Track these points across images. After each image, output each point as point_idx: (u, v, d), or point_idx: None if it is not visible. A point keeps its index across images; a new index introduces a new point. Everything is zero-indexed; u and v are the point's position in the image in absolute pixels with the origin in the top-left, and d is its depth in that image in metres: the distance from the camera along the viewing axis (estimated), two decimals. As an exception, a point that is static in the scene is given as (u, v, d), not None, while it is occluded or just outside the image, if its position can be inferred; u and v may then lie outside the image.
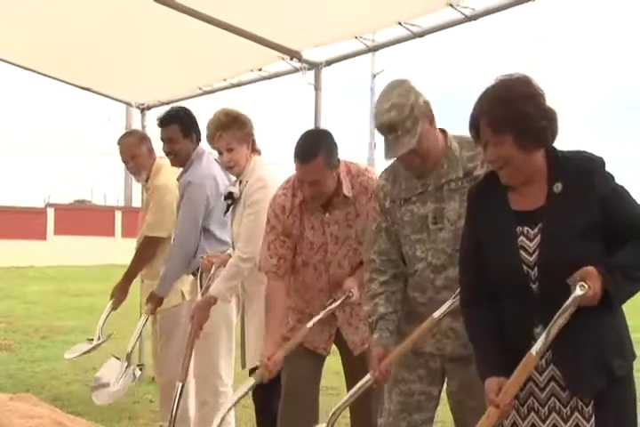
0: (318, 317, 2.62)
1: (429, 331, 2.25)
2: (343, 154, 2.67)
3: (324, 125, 4.04)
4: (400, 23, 3.43)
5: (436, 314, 2.21)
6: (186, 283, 3.64)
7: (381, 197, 2.34)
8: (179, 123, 3.52)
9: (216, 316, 3.21)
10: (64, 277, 14.88)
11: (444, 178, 2.25)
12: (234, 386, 3.57)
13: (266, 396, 3.02)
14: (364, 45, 3.76)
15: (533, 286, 1.83)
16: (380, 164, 2.97)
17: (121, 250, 12.35)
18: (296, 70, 4.02)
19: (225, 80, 4.77)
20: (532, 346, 1.78)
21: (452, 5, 3.16)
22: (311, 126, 4.02)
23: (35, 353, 6.48)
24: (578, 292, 1.71)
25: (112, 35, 4.29)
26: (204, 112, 3.43)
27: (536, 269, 1.82)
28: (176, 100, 5.41)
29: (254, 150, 3.21)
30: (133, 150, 3.81)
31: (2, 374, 5.49)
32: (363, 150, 21.04)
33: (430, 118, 2.22)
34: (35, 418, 2.95)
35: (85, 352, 3.93)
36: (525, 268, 1.83)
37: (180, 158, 3.54)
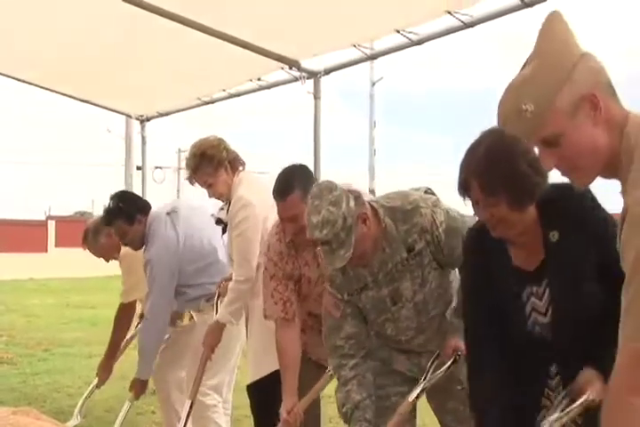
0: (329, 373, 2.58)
1: (406, 414, 2.23)
2: (343, 161, 2.65)
3: (323, 133, 4.04)
4: (398, 31, 3.43)
5: (411, 398, 2.20)
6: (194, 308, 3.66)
7: (338, 286, 2.31)
8: (120, 217, 3.53)
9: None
10: (65, 289, 14.87)
11: (390, 263, 2.23)
12: (234, 396, 3.58)
13: (265, 407, 3.03)
14: (363, 53, 3.76)
15: (549, 340, 1.82)
16: (381, 171, 2.96)
17: (122, 261, 12.36)
18: (295, 79, 4.03)
19: (224, 90, 4.77)
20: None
21: (449, 13, 3.16)
22: (311, 135, 4.03)
23: (36, 366, 6.46)
24: (584, 398, 1.70)
25: (111, 47, 4.29)
26: (203, 122, 3.45)
27: (551, 328, 1.80)
28: (175, 111, 5.42)
29: (235, 169, 3.21)
30: (97, 250, 3.87)
31: (3, 387, 5.47)
32: (363, 157, 21.07)
33: (363, 217, 2.15)
34: (37, 432, 2.92)
35: None
36: (539, 328, 1.81)
37: (137, 243, 3.56)
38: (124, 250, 3.79)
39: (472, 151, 1.75)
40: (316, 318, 2.73)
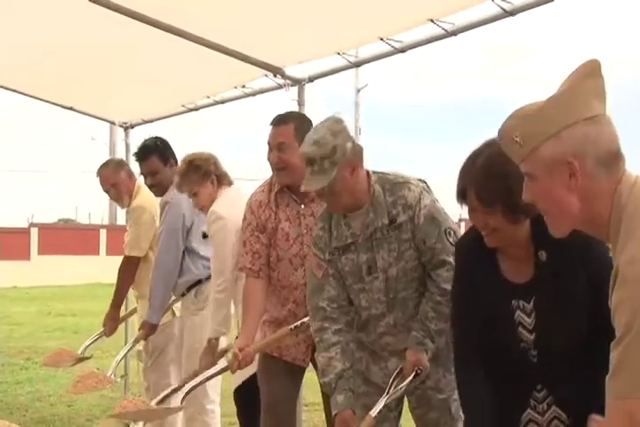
0: (302, 320, 2.62)
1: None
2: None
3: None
4: (382, 39, 3.45)
5: (373, 413, 2.20)
6: (177, 302, 3.65)
7: (322, 247, 2.35)
8: (156, 153, 3.63)
9: (205, 336, 3.21)
10: (48, 297, 14.74)
11: (371, 227, 2.27)
12: (221, 403, 3.57)
13: (250, 414, 3.04)
14: (347, 61, 3.78)
15: (533, 359, 1.83)
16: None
17: (106, 268, 12.28)
18: (279, 87, 4.03)
19: (208, 97, 4.77)
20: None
21: (432, 21, 3.19)
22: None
23: (18, 375, 6.41)
24: None
25: (94, 54, 4.28)
26: (187, 130, 3.49)
27: (536, 346, 1.82)
28: (160, 118, 5.41)
29: (222, 184, 3.31)
30: (112, 179, 3.88)
31: (-15, 397, 5.41)
32: (347, 166, 20.94)
33: (353, 166, 2.24)
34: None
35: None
36: (524, 345, 1.83)
37: (162, 188, 3.64)
38: (137, 202, 3.82)
39: (471, 161, 1.79)
40: (289, 312, 2.75)
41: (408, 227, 2.25)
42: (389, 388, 2.23)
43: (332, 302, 2.32)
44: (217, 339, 3.10)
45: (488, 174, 1.74)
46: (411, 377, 2.22)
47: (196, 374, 3.10)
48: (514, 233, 1.79)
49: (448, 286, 2.16)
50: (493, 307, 1.83)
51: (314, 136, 2.22)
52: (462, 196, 1.81)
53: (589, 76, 1.33)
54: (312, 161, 2.19)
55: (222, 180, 3.32)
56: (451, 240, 2.24)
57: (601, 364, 1.63)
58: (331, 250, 2.33)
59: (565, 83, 1.35)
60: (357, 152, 2.25)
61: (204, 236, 3.40)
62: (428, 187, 2.38)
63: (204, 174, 3.25)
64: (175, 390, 2.89)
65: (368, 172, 2.31)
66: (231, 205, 3.14)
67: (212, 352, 3.07)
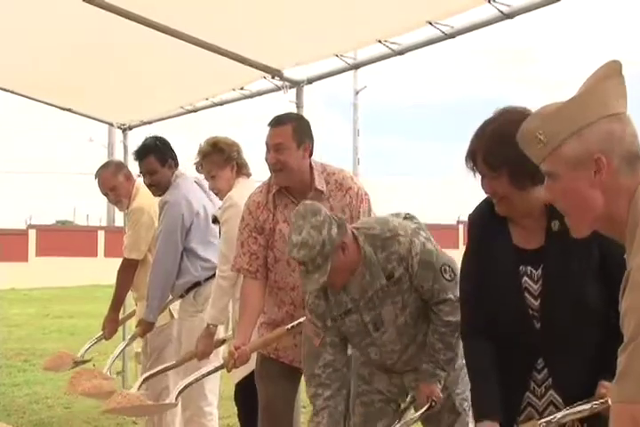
0: (298, 320, 2.63)
1: None
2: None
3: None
4: (380, 41, 3.45)
5: None
6: (174, 302, 3.65)
7: (319, 314, 2.34)
8: (154, 153, 3.60)
9: None
10: (46, 298, 14.71)
11: (370, 290, 2.28)
12: (219, 405, 3.57)
13: (251, 416, 3.03)
14: (345, 63, 3.78)
15: (537, 326, 1.86)
16: (364, 180, 3.00)
17: (104, 270, 12.26)
18: (278, 89, 4.04)
19: (207, 99, 4.77)
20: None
21: (430, 23, 3.19)
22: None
23: (16, 377, 6.39)
24: (597, 405, 1.76)
25: (93, 55, 4.28)
26: (186, 131, 3.49)
27: (541, 312, 1.85)
28: (158, 120, 5.41)
29: (241, 173, 3.31)
30: (111, 182, 3.86)
31: (-18, 399, 5.39)
32: (347, 167, 21.01)
33: (343, 245, 2.21)
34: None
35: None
36: (531, 311, 1.86)
37: (161, 188, 3.62)
38: (136, 204, 3.81)
39: (483, 127, 1.85)
40: (286, 314, 2.76)
41: (406, 278, 2.27)
42: (401, 417, 2.28)
43: (327, 368, 2.33)
44: (215, 326, 3.10)
45: (496, 140, 1.79)
46: (425, 408, 2.26)
47: (191, 357, 3.11)
48: (523, 201, 1.83)
49: (450, 318, 2.23)
50: (500, 271, 1.87)
51: (299, 238, 2.16)
52: (472, 158, 1.86)
53: (609, 76, 1.34)
54: (304, 263, 2.17)
55: (242, 169, 3.34)
56: (447, 277, 2.26)
57: (605, 344, 1.64)
58: (332, 317, 2.33)
59: (585, 83, 1.36)
60: (342, 228, 2.22)
61: (215, 221, 3.38)
62: (413, 218, 2.39)
63: (226, 159, 3.28)
64: (151, 376, 2.86)
65: (352, 232, 2.28)
66: (246, 195, 3.15)
67: (210, 336, 3.08)
